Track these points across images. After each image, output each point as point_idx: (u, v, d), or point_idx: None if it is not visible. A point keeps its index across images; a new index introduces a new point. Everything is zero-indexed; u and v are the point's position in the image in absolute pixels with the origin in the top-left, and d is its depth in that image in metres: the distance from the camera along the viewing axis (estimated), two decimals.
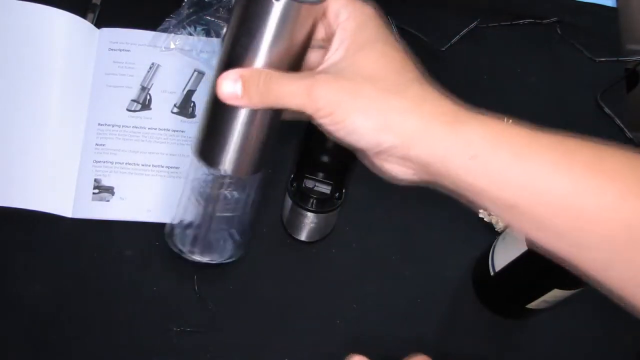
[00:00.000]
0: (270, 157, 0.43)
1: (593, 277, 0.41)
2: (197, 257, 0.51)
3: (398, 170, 0.43)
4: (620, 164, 0.40)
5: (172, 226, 0.52)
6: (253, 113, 0.41)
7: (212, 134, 0.41)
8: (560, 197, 0.39)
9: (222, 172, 0.41)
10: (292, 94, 0.39)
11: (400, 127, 0.40)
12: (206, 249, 0.51)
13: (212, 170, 0.41)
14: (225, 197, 0.43)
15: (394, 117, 0.39)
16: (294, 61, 0.40)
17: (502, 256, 0.64)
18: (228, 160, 0.41)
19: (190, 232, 0.50)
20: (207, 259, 0.53)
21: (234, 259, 0.55)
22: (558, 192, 0.39)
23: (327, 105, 0.39)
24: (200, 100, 0.78)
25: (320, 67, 0.41)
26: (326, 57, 0.41)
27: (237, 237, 0.52)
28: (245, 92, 0.39)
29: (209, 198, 0.44)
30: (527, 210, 0.40)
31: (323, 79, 0.39)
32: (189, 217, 0.49)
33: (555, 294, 0.61)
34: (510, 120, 0.83)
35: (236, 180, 0.43)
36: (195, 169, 0.43)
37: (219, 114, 0.41)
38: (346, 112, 0.39)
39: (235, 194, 0.44)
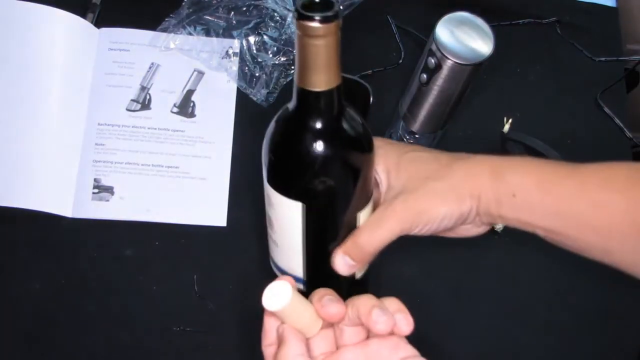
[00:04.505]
0: (439, 127, 0.68)
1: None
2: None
3: (473, 231, 0.53)
4: (626, 178, 0.47)
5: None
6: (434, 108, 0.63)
7: (411, 111, 0.65)
8: (584, 217, 0.47)
9: (413, 129, 0.67)
10: (385, 239, 0.49)
11: (463, 196, 0.48)
12: None
13: (409, 127, 0.68)
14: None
15: (460, 192, 0.48)
16: None
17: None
18: (416, 125, 0.66)
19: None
20: None
21: None
22: (581, 214, 0.47)
23: (416, 227, 0.49)
24: (199, 100, 0.78)
25: (386, 198, 0.50)
26: (381, 188, 0.51)
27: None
28: (356, 263, 0.49)
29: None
30: (568, 234, 0.48)
31: (398, 214, 0.48)
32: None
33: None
34: (510, 120, 0.84)
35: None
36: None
37: (415, 101, 0.64)
38: (430, 219, 0.48)
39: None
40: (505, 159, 0.50)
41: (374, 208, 0.50)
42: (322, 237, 0.50)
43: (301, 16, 0.38)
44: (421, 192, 0.48)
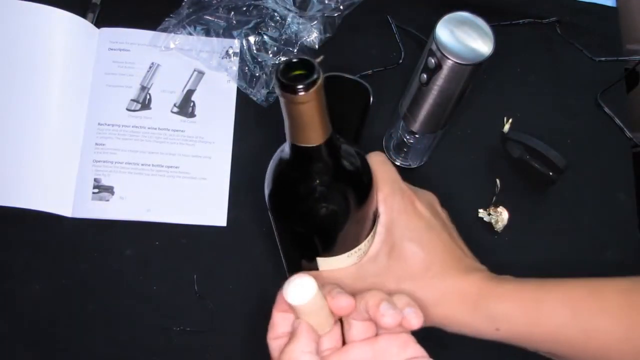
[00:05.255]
0: (439, 127, 0.67)
1: None
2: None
3: None
4: (620, 303, 0.47)
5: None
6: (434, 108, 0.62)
7: (411, 111, 0.65)
8: (578, 343, 0.47)
9: (413, 129, 0.67)
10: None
11: (433, 316, 0.49)
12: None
13: (409, 127, 0.67)
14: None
15: (428, 309, 0.49)
16: None
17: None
18: (416, 125, 0.66)
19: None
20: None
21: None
22: (575, 341, 0.47)
23: None
24: (199, 100, 0.78)
25: (365, 258, 0.50)
26: (371, 247, 0.50)
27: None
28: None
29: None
30: (559, 354, 0.48)
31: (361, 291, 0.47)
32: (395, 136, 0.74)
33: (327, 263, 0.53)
34: (510, 120, 0.83)
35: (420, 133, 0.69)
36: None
37: (415, 101, 0.64)
38: None
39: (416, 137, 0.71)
40: (492, 282, 0.49)
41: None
42: (283, 246, 0.54)
43: (283, 87, 0.37)
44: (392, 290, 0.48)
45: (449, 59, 0.56)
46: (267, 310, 0.70)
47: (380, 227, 0.50)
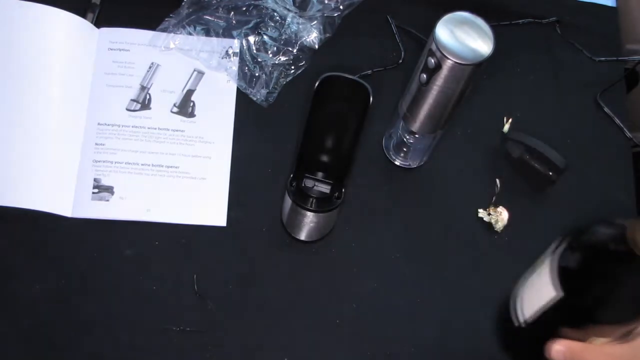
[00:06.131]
0: (439, 127, 0.68)
1: None
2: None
3: None
4: None
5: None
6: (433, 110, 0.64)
7: (411, 111, 0.66)
8: None
9: (413, 129, 0.68)
10: None
11: None
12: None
13: (409, 127, 0.69)
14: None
15: None
16: None
17: (530, 303, 0.57)
18: (416, 125, 0.67)
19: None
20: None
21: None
22: None
23: None
24: (199, 100, 0.78)
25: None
26: None
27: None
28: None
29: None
30: None
31: None
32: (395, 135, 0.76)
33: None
34: (510, 120, 0.83)
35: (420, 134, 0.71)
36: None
37: (415, 101, 0.65)
38: None
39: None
40: None
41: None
42: (555, 319, 0.53)
43: None
44: None
45: (449, 59, 0.56)
46: (266, 310, 0.70)
47: None
